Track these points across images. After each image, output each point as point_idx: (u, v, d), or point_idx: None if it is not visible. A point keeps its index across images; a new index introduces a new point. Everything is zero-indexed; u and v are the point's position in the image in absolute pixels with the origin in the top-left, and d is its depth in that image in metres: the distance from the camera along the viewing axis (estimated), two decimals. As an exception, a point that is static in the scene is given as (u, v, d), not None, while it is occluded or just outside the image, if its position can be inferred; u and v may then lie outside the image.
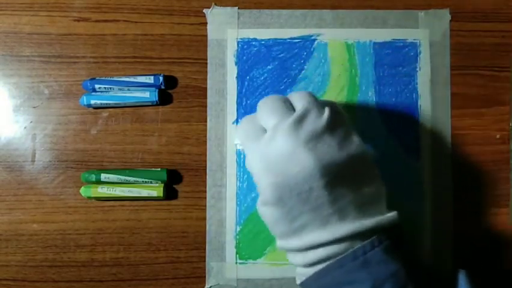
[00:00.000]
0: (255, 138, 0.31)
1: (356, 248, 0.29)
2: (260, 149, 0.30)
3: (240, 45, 0.40)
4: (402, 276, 0.28)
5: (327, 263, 0.29)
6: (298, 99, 0.31)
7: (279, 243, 0.32)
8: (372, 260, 0.29)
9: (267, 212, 0.31)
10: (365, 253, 0.29)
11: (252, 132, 0.32)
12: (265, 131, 0.31)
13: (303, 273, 0.31)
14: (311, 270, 0.30)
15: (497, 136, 0.41)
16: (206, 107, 0.40)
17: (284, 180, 0.29)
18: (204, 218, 0.40)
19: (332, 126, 0.30)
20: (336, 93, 0.40)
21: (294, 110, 0.31)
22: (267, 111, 0.31)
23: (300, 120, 0.30)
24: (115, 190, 0.38)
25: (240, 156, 0.40)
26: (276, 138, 0.30)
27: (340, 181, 0.29)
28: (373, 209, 0.30)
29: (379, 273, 0.28)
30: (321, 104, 0.31)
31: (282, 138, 0.30)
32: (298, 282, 0.32)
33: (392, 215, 0.31)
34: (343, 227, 0.29)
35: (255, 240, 0.39)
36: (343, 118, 0.32)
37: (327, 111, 0.30)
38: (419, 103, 0.40)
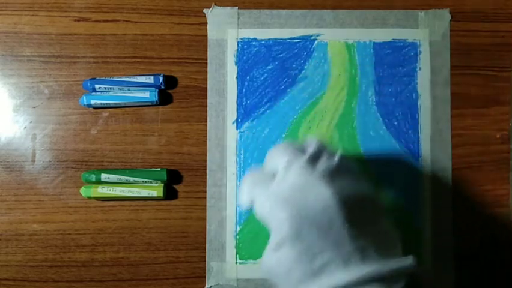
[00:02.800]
0: (264, 183, 0.30)
1: None
2: (272, 190, 0.29)
3: (240, 45, 0.40)
4: None
5: None
6: (309, 143, 0.31)
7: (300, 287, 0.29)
8: None
9: (283, 255, 0.28)
10: None
11: (260, 178, 0.31)
12: (273, 177, 0.30)
13: None
14: None
15: (497, 136, 0.41)
16: (206, 107, 0.40)
17: (302, 211, 0.28)
18: (204, 218, 0.40)
19: (344, 167, 0.30)
20: (336, 93, 0.40)
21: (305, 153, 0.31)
22: (278, 153, 0.31)
23: (314, 158, 0.29)
24: (115, 190, 0.38)
25: (240, 156, 0.40)
26: (289, 174, 0.29)
27: (358, 218, 0.28)
28: (391, 252, 0.29)
29: None
30: (331, 148, 0.31)
31: (296, 173, 0.29)
32: None
33: (410, 258, 0.29)
34: (366, 268, 0.27)
35: (255, 240, 0.39)
36: (353, 163, 0.31)
37: (338, 153, 0.30)
38: (419, 103, 0.40)
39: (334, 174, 0.29)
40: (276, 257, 0.29)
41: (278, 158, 0.31)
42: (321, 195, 0.28)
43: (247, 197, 0.31)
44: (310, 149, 0.30)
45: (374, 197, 0.30)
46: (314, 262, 0.28)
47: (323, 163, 0.29)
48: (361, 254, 0.28)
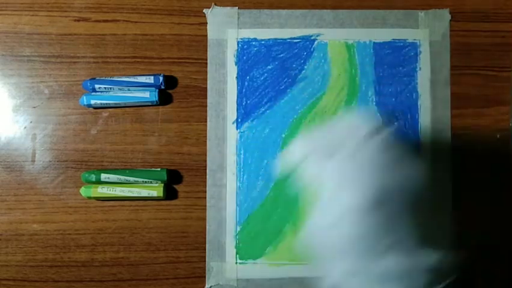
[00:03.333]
0: (328, 150, 0.30)
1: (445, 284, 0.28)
2: (341, 158, 0.29)
3: (240, 45, 0.40)
4: None
5: None
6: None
7: (353, 265, 0.29)
8: None
9: (361, 219, 0.28)
10: None
11: (323, 143, 0.30)
12: (341, 145, 0.30)
13: None
14: None
15: (497, 136, 0.41)
16: (206, 107, 0.40)
17: (388, 183, 0.28)
18: (204, 218, 0.40)
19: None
20: (336, 93, 0.40)
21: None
22: (354, 121, 0.31)
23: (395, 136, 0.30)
24: (115, 190, 0.38)
25: (240, 156, 0.40)
26: (370, 147, 0.29)
27: (424, 208, 0.30)
28: (441, 245, 0.30)
29: None
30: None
31: (379, 147, 0.29)
32: None
33: (459, 254, 0.30)
34: (430, 257, 0.28)
35: (255, 240, 0.39)
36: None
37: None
38: (419, 103, 0.40)
39: (406, 161, 0.30)
40: (358, 218, 0.28)
41: (354, 126, 0.30)
42: (409, 172, 0.29)
43: (303, 150, 0.31)
44: (389, 127, 0.31)
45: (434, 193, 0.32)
46: (387, 237, 0.28)
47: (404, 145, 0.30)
48: (428, 242, 0.28)
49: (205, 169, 0.40)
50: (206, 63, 0.40)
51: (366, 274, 0.28)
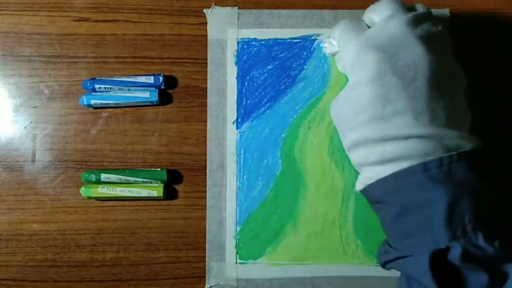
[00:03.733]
0: (360, 29, 0.31)
1: (444, 156, 0.28)
2: (366, 35, 0.30)
3: (240, 45, 0.40)
4: (481, 198, 0.28)
5: (407, 163, 0.28)
6: (417, 6, 0.32)
7: (356, 134, 0.30)
8: (457, 172, 0.28)
9: (360, 94, 0.30)
10: (451, 164, 0.28)
11: (355, 26, 0.32)
12: (368, 28, 0.31)
13: (369, 176, 0.30)
14: (382, 171, 0.29)
15: (497, 136, 0.40)
16: (206, 107, 0.40)
17: (392, 58, 0.29)
18: (204, 218, 0.40)
19: (443, 38, 0.31)
20: (336, 93, 0.40)
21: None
22: (381, 6, 0.31)
23: (419, 19, 0.30)
24: (115, 190, 0.38)
25: (240, 156, 0.40)
26: (389, 26, 0.30)
27: (441, 84, 0.29)
28: (460, 127, 0.30)
29: (461, 187, 0.28)
30: (436, 19, 0.32)
31: (396, 26, 0.30)
32: (360, 187, 0.31)
33: (476, 138, 0.30)
34: (433, 128, 0.28)
35: (255, 240, 0.39)
36: (448, 39, 0.32)
37: (441, 26, 0.31)
38: (419, 103, 0.40)
39: (432, 40, 0.30)
40: (352, 96, 0.30)
41: (380, 11, 0.31)
42: (415, 51, 0.29)
43: (337, 40, 0.33)
44: (418, 10, 0.31)
45: (459, 73, 0.31)
46: (386, 108, 0.29)
47: (426, 27, 0.30)
48: (432, 115, 0.29)
49: (205, 169, 0.40)
50: (206, 63, 0.40)
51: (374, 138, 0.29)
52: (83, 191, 0.38)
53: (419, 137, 0.28)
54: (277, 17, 0.41)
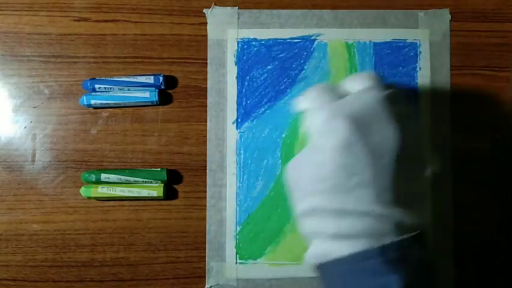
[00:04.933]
0: (335, 95, 0.30)
1: (403, 238, 0.28)
2: (341, 102, 0.29)
3: (240, 45, 0.40)
4: (431, 273, 0.28)
5: (363, 243, 0.27)
6: (393, 85, 0.32)
7: (311, 202, 0.29)
8: (413, 254, 0.28)
9: (323, 159, 0.28)
10: (408, 247, 0.28)
11: (333, 90, 0.31)
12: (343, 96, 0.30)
13: (322, 251, 0.29)
14: (336, 248, 0.28)
15: (498, 136, 0.41)
16: (206, 107, 0.40)
17: (363, 130, 0.28)
18: (204, 218, 0.40)
19: (413, 121, 0.31)
20: (336, 93, 0.40)
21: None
22: (363, 76, 0.31)
23: (394, 97, 0.30)
24: (115, 190, 0.38)
25: (240, 156, 0.40)
26: (365, 97, 0.29)
27: (406, 164, 0.29)
28: (418, 207, 0.30)
29: (416, 268, 0.28)
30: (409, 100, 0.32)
31: (373, 100, 0.29)
32: (312, 261, 0.29)
33: (426, 221, 0.30)
34: (393, 209, 0.28)
35: (255, 240, 0.39)
36: (418, 121, 0.33)
37: (413, 106, 0.32)
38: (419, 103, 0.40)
39: (403, 121, 0.29)
40: (313, 161, 0.29)
41: (360, 82, 0.31)
42: (387, 128, 0.28)
43: (311, 99, 0.31)
44: (393, 89, 0.31)
45: (424, 156, 0.31)
46: (350, 180, 0.28)
47: (400, 106, 0.30)
48: (394, 194, 0.28)
49: (205, 169, 0.40)
50: (206, 63, 0.40)
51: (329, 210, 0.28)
52: (83, 191, 0.38)
53: (379, 215, 0.28)
54: (277, 17, 0.41)
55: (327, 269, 0.29)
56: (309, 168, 0.29)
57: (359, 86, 0.31)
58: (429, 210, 0.31)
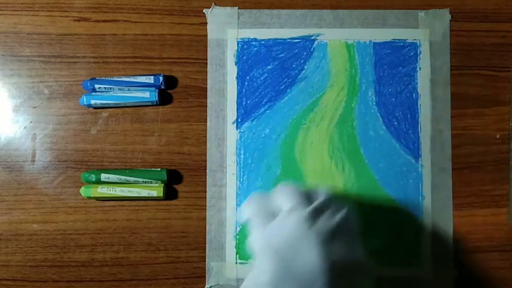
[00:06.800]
0: (264, 218, 0.31)
1: None
2: (268, 229, 0.30)
3: (240, 45, 0.40)
4: None
5: None
6: (319, 193, 0.32)
7: None
8: None
9: None
10: None
11: (262, 211, 0.31)
12: (274, 215, 0.31)
13: None
14: None
15: (497, 136, 0.41)
16: (206, 107, 0.40)
17: (287, 267, 0.28)
18: (204, 218, 0.40)
19: (344, 228, 0.30)
20: (336, 93, 0.40)
21: (311, 203, 0.31)
22: (286, 194, 0.31)
23: (317, 212, 0.30)
24: (115, 190, 0.38)
25: (240, 156, 0.40)
26: (287, 222, 0.30)
27: (341, 281, 0.29)
28: None
29: None
30: (338, 204, 0.31)
31: (294, 224, 0.29)
32: None
33: None
34: None
35: (255, 240, 0.39)
36: (354, 223, 0.32)
37: (343, 212, 0.31)
38: (419, 103, 0.40)
39: (331, 236, 0.29)
40: (256, 284, 0.29)
41: (283, 200, 0.31)
42: (310, 256, 0.28)
43: (245, 220, 0.33)
44: (316, 201, 0.31)
45: (363, 265, 0.31)
46: None
47: (324, 221, 0.30)
48: None
49: (205, 169, 0.40)
50: (206, 63, 0.40)
51: None
52: (83, 191, 0.38)
53: None
54: (277, 17, 0.41)
55: None
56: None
57: (286, 202, 0.31)
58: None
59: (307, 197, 0.31)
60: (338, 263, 0.29)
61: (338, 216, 0.30)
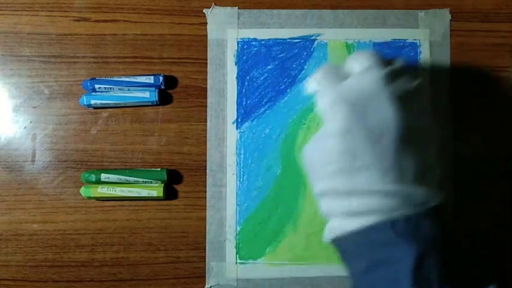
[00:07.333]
0: (336, 79, 0.31)
1: (411, 213, 0.28)
2: (341, 87, 0.30)
3: (240, 45, 0.40)
4: (447, 253, 0.28)
5: (374, 218, 0.28)
6: (396, 60, 0.32)
7: (324, 184, 0.30)
8: (424, 229, 0.28)
9: (329, 145, 0.29)
10: (418, 220, 0.28)
11: (333, 73, 0.31)
12: (346, 77, 0.31)
13: (337, 227, 0.30)
14: (349, 224, 0.29)
15: (498, 137, 0.40)
16: (206, 107, 0.40)
17: (360, 118, 0.29)
18: (204, 218, 0.40)
19: (418, 94, 0.31)
20: (336, 93, 0.40)
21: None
22: (361, 58, 0.31)
23: (395, 74, 0.30)
24: (115, 190, 0.38)
25: (240, 156, 0.40)
26: (364, 78, 0.30)
27: (410, 142, 0.29)
28: (427, 182, 0.30)
29: (427, 243, 0.28)
30: (414, 73, 0.32)
31: (372, 80, 0.29)
32: (330, 237, 0.31)
33: (443, 193, 0.30)
34: (400, 185, 0.28)
35: (255, 240, 0.39)
36: (424, 93, 0.33)
37: (419, 79, 0.31)
38: (419, 103, 0.40)
39: (406, 98, 0.30)
40: (322, 145, 0.30)
41: (359, 61, 0.31)
42: (385, 109, 0.29)
43: (314, 85, 0.32)
44: (395, 65, 0.31)
45: (432, 129, 0.31)
46: (354, 162, 0.29)
47: (401, 83, 0.30)
48: (399, 172, 0.29)
49: (205, 169, 0.40)
50: (206, 63, 0.40)
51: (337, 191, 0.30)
52: (83, 191, 0.38)
53: (386, 193, 0.28)
54: (277, 17, 0.41)
55: (342, 242, 0.30)
56: (319, 152, 0.31)
57: (359, 66, 0.31)
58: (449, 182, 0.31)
59: (385, 61, 0.31)
60: (410, 123, 0.29)
61: (417, 81, 0.31)
